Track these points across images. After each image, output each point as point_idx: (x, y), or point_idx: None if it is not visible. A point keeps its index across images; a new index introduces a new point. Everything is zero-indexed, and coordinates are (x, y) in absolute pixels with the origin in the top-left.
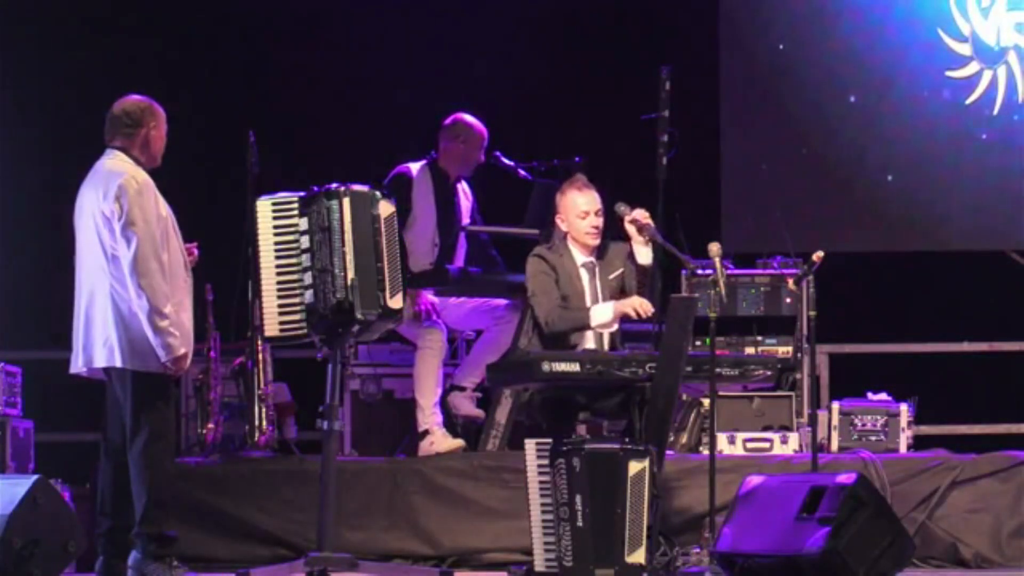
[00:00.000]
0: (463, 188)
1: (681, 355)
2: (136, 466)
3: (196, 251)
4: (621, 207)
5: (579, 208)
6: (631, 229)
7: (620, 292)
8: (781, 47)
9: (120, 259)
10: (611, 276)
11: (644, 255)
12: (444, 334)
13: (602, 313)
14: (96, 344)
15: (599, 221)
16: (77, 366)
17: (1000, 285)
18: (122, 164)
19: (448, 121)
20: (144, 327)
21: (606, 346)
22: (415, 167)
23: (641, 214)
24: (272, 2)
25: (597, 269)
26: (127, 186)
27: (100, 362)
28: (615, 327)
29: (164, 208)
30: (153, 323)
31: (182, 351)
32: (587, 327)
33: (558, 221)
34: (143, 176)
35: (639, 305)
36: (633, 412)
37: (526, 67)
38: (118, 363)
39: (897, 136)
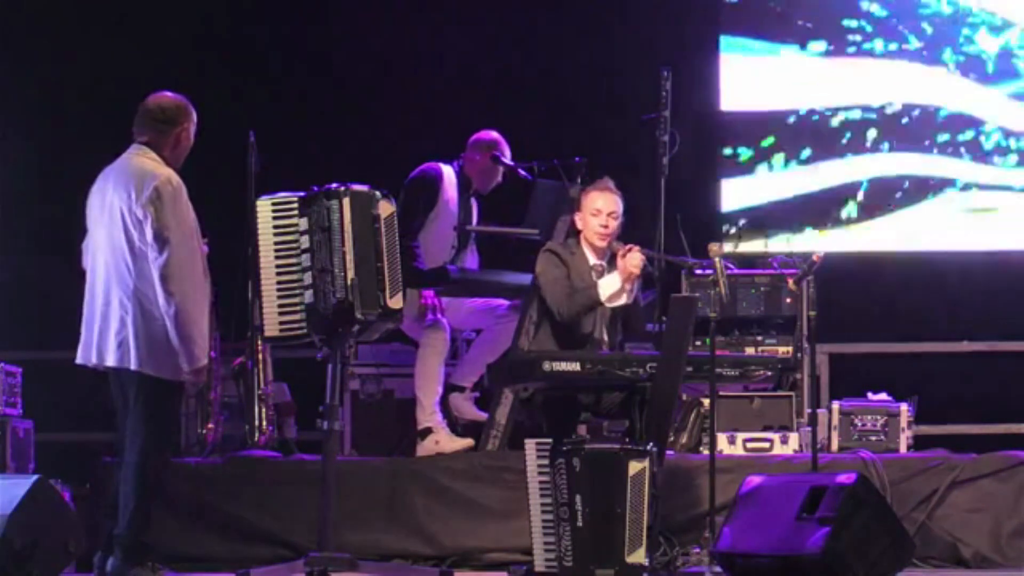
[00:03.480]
0: (474, 203)
1: (681, 355)
2: (129, 469)
3: (206, 248)
4: (616, 244)
5: (594, 206)
6: (620, 263)
7: (621, 306)
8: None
9: (150, 262)
10: None
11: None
12: (448, 333)
13: (610, 283)
14: (110, 343)
15: (611, 224)
16: (88, 358)
17: (1000, 285)
18: (153, 164)
19: (479, 135)
20: (170, 333)
21: (606, 342)
22: (445, 168)
23: (634, 263)
24: (272, 2)
25: (607, 274)
26: (163, 190)
27: (111, 361)
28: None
29: (192, 212)
30: (181, 331)
31: (204, 361)
32: (598, 303)
33: (576, 218)
34: (177, 180)
35: (636, 261)
36: (633, 412)
37: (526, 66)
38: (132, 365)
39: (898, 136)
